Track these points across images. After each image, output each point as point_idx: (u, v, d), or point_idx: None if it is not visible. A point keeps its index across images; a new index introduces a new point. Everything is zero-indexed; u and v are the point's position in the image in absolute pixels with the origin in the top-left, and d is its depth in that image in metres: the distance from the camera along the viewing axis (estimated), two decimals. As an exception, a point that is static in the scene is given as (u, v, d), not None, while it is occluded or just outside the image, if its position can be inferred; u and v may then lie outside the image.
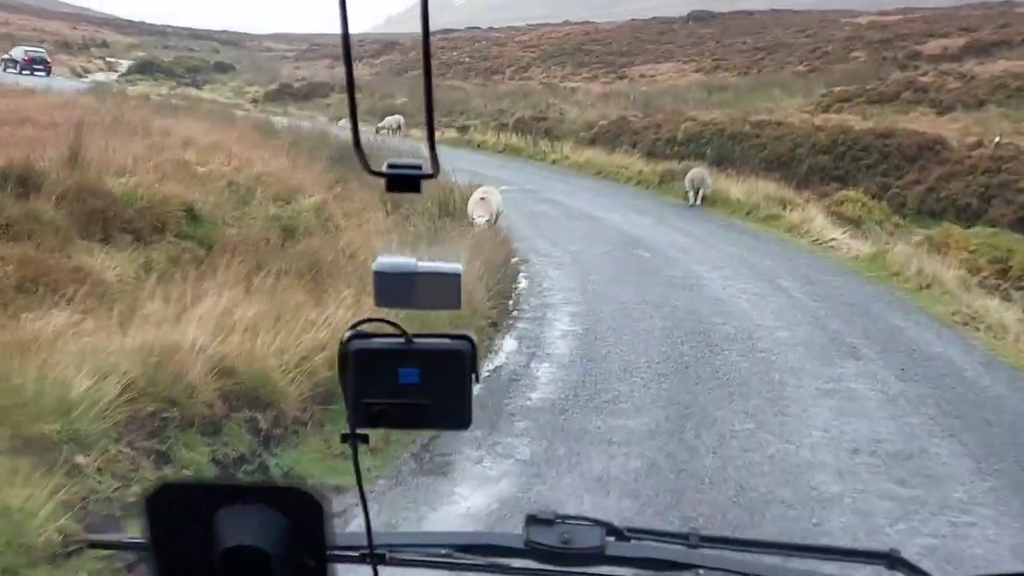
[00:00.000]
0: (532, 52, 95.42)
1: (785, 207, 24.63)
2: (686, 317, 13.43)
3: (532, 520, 1.79)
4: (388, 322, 1.35)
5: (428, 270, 1.36)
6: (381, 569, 1.57)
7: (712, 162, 40.31)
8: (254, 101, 69.59)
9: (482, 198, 19.66)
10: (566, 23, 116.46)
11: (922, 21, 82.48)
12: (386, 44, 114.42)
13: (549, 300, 14.71)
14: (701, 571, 1.77)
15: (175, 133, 25.33)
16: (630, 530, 1.82)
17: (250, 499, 1.10)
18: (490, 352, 11.55)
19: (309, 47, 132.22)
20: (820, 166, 39.29)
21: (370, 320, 1.37)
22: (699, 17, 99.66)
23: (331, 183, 22.74)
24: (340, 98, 71.02)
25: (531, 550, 1.75)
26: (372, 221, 19.09)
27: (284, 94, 71.25)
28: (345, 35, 1.07)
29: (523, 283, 16.10)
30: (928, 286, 16.58)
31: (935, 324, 14.33)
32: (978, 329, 14.19)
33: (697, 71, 76.01)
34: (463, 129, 41.88)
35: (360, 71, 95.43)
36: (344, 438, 1.37)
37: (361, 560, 1.59)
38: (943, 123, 46.80)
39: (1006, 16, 76.43)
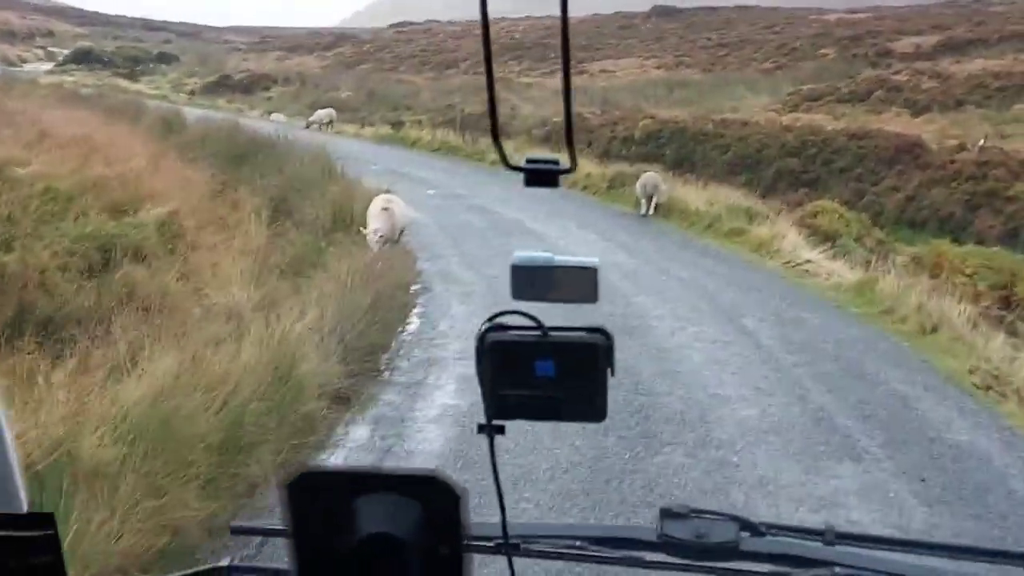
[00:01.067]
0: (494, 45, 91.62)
1: (751, 219, 21.09)
2: (619, 381, 9.75)
3: (666, 514, 1.81)
4: (525, 315, 1.36)
5: (565, 264, 1.42)
6: (515, 560, 1.53)
7: (672, 164, 37.02)
8: (191, 93, 66.27)
9: (383, 208, 16.00)
10: (527, 17, 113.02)
11: (893, 19, 79.51)
12: (339, 37, 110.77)
13: (439, 353, 11.07)
14: (838, 568, 1.76)
15: (43, 125, 21.57)
16: (765, 525, 1.83)
17: (387, 487, 1.09)
18: (323, 451, 7.87)
19: (261, 39, 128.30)
20: (789, 169, 35.88)
21: (506, 313, 1.37)
22: (662, 12, 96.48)
23: (213, 188, 19.04)
24: (281, 91, 67.42)
25: (665, 543, 1.77)
26: (248, 236, 15.43)
27: (223, 87, 67.60)
28: (486, 34, 1.11)
29: (413, 324, 12.48)
30: (934, 329, 13.02)
31: (951, 389, 10.73)
32: (1005, 396, 10.63)
33: (659, 67, 72.80)
34: (397, 125, 38.14)
35: (310, 63, 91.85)
36: (481, 428, 1.40)
37: (496, 550, 1.62)
38: (919, 124, 43.52)
39: (980, 15, 73.45)
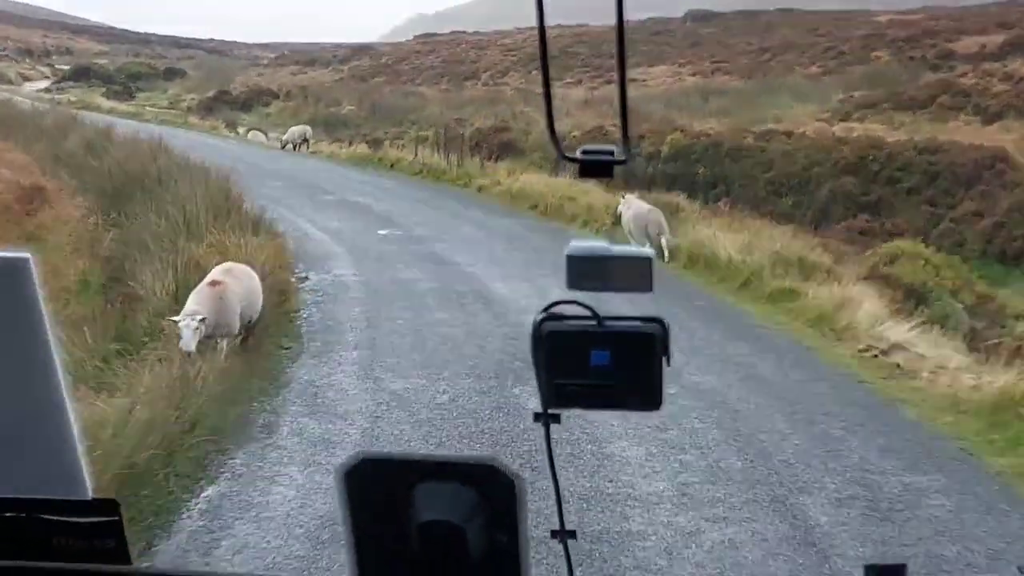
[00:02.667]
0: (512, 56, 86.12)
1: (806, 273, 15.06)
2: None
3: (871, 571, 1.63)
4: (580, 304, 1.35)
5: (620, 253, 1.38)
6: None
7: (703, 186, 31.06)
8: (188, 110, 60.98)
9: (213, 283, 10.09)
10: (557, 26, 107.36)
11: (948, 18, 72.97)
12: (357, 50, 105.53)
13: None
14: None
15: None
16: None
17: (445, 474, 1.10)
18: None
19: (281, 55, 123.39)
20: (845, 191, 29.69)
21: (561, 302, 1.35)
22: (698, 17, 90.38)
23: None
24: (281, 107, 62.04)
25: None
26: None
27: (221, 102, 62.24)
28: (542, 31, 1.16)
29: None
30: None
31: None
32: None
33: (694, 74, 66.76)
34: (375, 143, 32.28)
35: (324, 77, 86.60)
36: (537, 417, 1.39)
37: (553, 538, 1.53)
38: (994, 133, 37.25)
39: (1045, 11, 66.77)
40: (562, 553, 1.47)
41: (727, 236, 17.49)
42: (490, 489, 1.09)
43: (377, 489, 1.10)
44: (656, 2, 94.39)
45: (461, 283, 14.80)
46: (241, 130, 45.78)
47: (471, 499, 1.09)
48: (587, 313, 1.34)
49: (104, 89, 67.16)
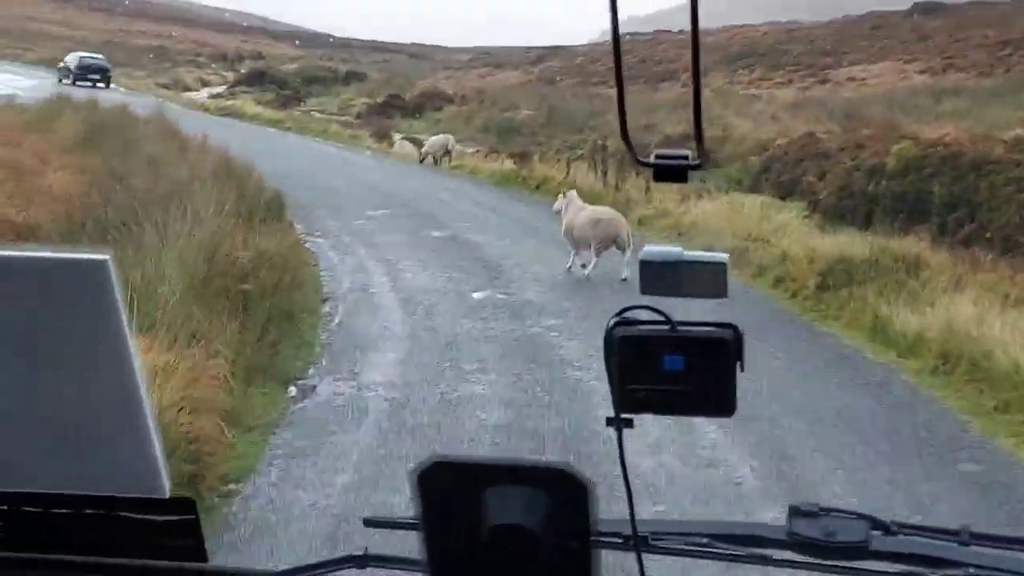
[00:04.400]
0: (715, 55, 79.01)
1: None
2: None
3: (795, 512, 1.75)
4: (653, 309, 1.37)
5: (694, 259, 1.41)
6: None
7: (939, 211, 24.04)
8: (357, 116, 56.52)
9: None
10: (768, 23, 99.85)
11: None
12: (549, 51, 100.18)
13: None
14: (972, 570, 1.69)
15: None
16: (896, 524, 1.78)
17: (517, 478, 1.11)
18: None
19: (474, 57, 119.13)
20: None
21: (634, 307, 1.37)
22: (925, 9, 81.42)
23: None
24: (454, 111, 56.98)
25: (793, 542, 1.73)
26: None
27: (392, 107, 57.59)
28: (615, 25, 1.11)
29: None
30: None
31: None
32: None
33: (922, 72, 58.71)
34: (521, 158, 26.21)
35: (512, 79, 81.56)
36: (609, 421, 1.40)
37: (624, 545, 1.62)
38: None
39: None
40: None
41: (1002, 314, 10.88)
42: (562, 494, 1.07)
43: (450, 491, 1.10)
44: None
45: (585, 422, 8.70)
46: (398, 138, 40.64)
47: (543, 503, 1.07)
48: (660, 318, 1.36)
49: (272, 95, 63.34)
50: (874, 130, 35.03)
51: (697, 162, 1.23)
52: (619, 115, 1.25)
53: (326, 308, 12.52)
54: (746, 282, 14.47)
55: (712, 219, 17.29)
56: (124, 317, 1.12)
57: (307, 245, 16.51)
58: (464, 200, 21.63)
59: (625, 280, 13.90)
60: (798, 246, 14.58)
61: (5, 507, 1.22)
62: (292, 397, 9.14)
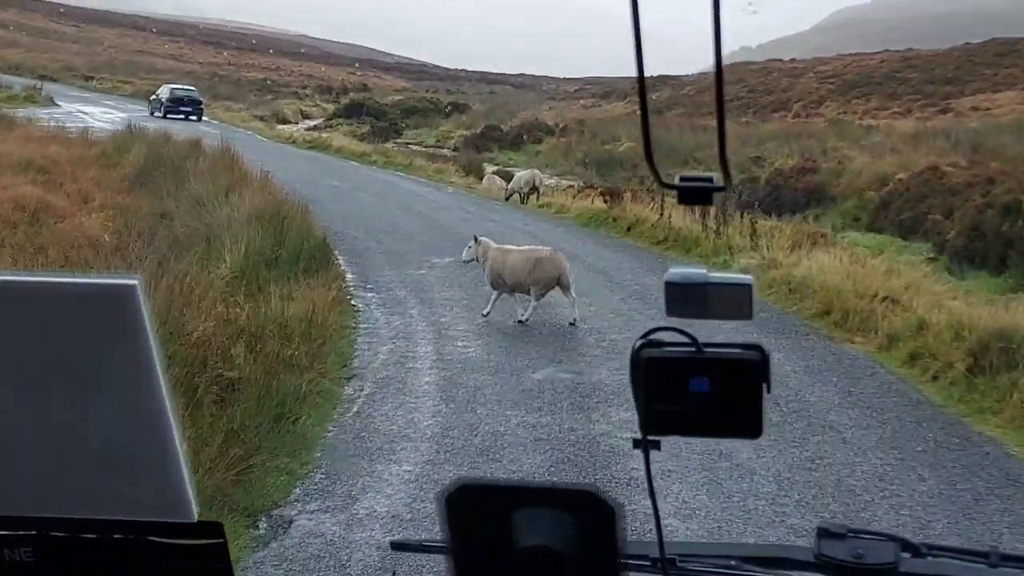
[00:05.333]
0: (830, 83, 75.77)
1: None
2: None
3: (823, 533, 1.77)
4: (679, 331, 1.37)
5: (719, 280, 1.39)
6: None
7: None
8: (454, 149, 54.91)
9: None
10: (884, 51, 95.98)
11: None
12: (659, 79, 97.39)
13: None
14: None
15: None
16: (926, 546, 1.79)
17: (545, 501, 1.11)
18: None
19: (580, 87, 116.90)
20: None
21: (660, 329, 1.38)
22: (1055, 34, 77.07)
23: None
24: (553, 143, 54.84)
25: (822, 564, 1.74)
26: None
27: (488, 139, 55.79)
28: (639, 48, 1.10)
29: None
30: None
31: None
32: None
33: (1055, 99, 54.75)
34: (613, 196, 23.54)
35: (617, 109, 79.07)
36: (636, 444, 1.42)
37: (652, 568, 1.62)
38: None
39: None
40: None
41: None
42: (589, 516, 1.07)
43: (477, 514, 1.11)
44: (1002, 21, 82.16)
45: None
46: (490, 170, 38.40)
47: (570, 525, 1.08)
48: (686, 340, 1.36)
49: (368, 127, 61.78)
50: (1005, 164, 32.11)
51: (722, 185, 1.23)
52: (643, 136, 1.25)
53: (348, 390, 10.12)
54: (873, 356, 11.74)
55: (829, 272, 14.54)
56: (153, 341, 1.11)
57: (354, 301, 14.20)
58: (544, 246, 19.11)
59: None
60: (939, 311, 11.78)
61: (34, 532, 1.20)
62: (258, 536, 6.73)
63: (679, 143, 47.77)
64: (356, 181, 28.77)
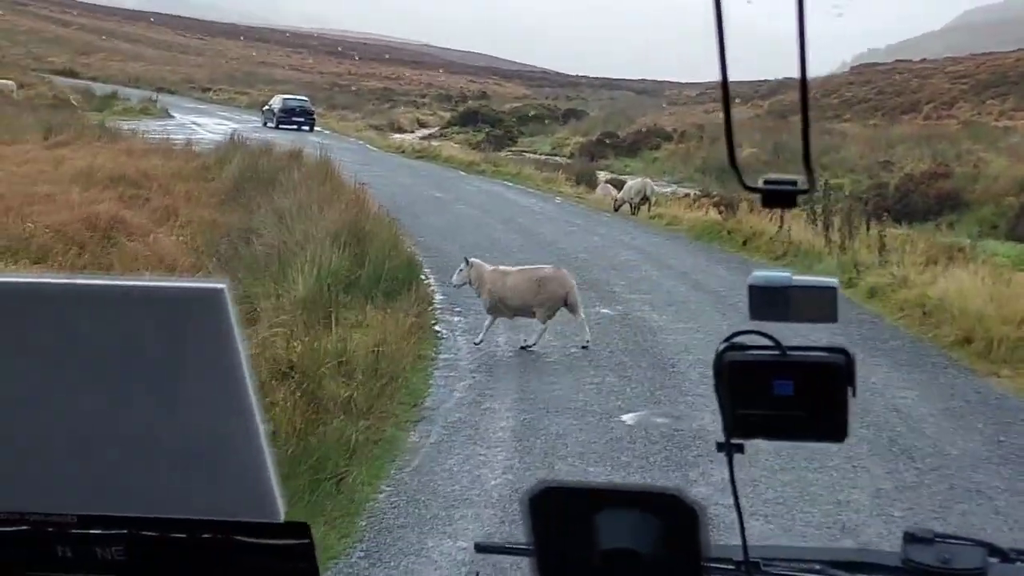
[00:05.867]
0: (962, 84, 72.64)
1: None
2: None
3: (910, 538, 1.75)
4: (763, 335, 1.37)
5: (803, 283, 1.40)
6: None
7: None
8: (570, 156, 54.05)
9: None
10: (1019, 49, 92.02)
11: None
12: (782, 83, 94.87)
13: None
14: None
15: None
16: (1015, 551, 1.74)
17: (628, 503, 1.11)
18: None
19: (702, 92, 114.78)
20: None
21: (744, 332, 1.37)
22: None
23: None
24: (671, 150, 53.28)
25: (909, 569, 1.71)
26: None
27: (604, 146, 54.62)
28: (722, 51, 1.11)
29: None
30: None
31: None
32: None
33: None
34: (728, 207, 21.95)
35: (741, 113, 77.05)
36: (720, 447, 1.43)
37: (736, 571, 1.60)
38: None
39: None
40: None
41: None
42: (673, 518, 1.07)
43: (560, 516, 1.10)
44: None
45: None
46: (604, 178, 37.00)
47: (653, 527, 1.07)
48: (770, 343, 1.36)
49: (482, 135, 60.94)
50: None
51: (806, 187, 1.22)
52: (726, 139, 1.25)
53: (413, 436, 8.88)
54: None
55: (969, 293, 12.86)
56: (240, 343, 1.12)
57: (438, 327, 13.01)
58: (650, 263, 17.66)
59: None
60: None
61: (125, 531, 1.21)
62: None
63: (800, 149, 45.73)
64: (459, 192, 27.62)
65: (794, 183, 1.24)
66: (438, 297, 14.73)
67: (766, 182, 1.24)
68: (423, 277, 15.95)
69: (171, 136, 34.72)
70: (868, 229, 16.99)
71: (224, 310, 1.11)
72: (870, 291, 14.38)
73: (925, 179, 36.16)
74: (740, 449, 1.43)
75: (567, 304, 12.00)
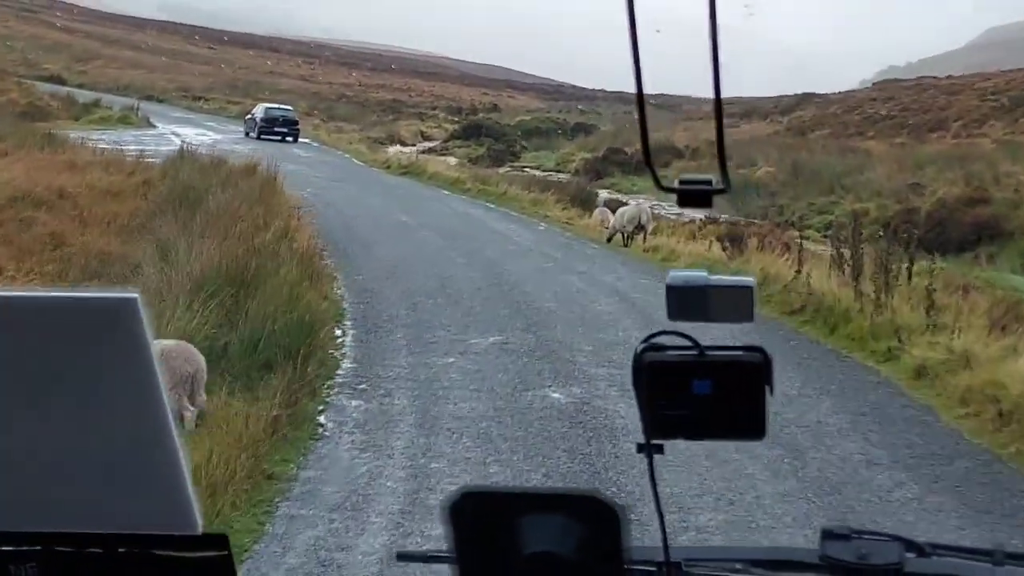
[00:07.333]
0: (992, 101, 68.79)
1: None
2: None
3: (828, 535, 1.73)
4: (681, 335, 1.37)
5: (720, 283, 1.39)
6: None
7: None
8: (575, 172, 51.23)
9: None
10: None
11: None
12: (801, 98, 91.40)
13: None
14: None
15: None
16: (930, 545, 1.75)
17: (549, 506, 1.11)
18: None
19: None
20: None
21: (662, 333, 1.37)
22: None
23: None
24: (682, 167, 49.49)
25: (827, 565, 1.70)
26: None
27: (610, 163, 51.38)
28: (635, 50, 1.12)
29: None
30: None
31: None
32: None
33: None
34: (732, 241, 18.21)
35: (759, 129, 73.83)
36: (640, 448, 1.41)
37: (658, 572, 1.59)
38: None
39: None
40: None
41: None
42: (593, 520, 1.07)
43: (481, 522, 1.11)
44: None
45: None
46: (603, 196, 33.42)
47: (575, 531, 1.07)
48: (688, 343, 1.35)
49: (484, 149, 57.66)
50: None
51: (721, 187, 1.22)
52: (641, 139, 1.27)
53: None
54: None
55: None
56: (153, 354, 1.11)
57: (323, 417, 9.48)
58: (632, 316, 13.97)
59: None
60: None
61: (38, 547, 1.18)
62: None
63: (824, 167, 42.02)
64: (430, 216, 23.97)
65: (709, 182, 1.22)
66: (345, 366, 11.18)
67: (682, 182, 1.23)
68: (337, 334, 12.42)
69: (130, 147, 31.29)
70: (910, 278, 13.29)
71: (137, 320, 1.08)
72: (917, 371, 10.68)
73: (960, 205, 32.48)
74: (660, 450, 1.40)
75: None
